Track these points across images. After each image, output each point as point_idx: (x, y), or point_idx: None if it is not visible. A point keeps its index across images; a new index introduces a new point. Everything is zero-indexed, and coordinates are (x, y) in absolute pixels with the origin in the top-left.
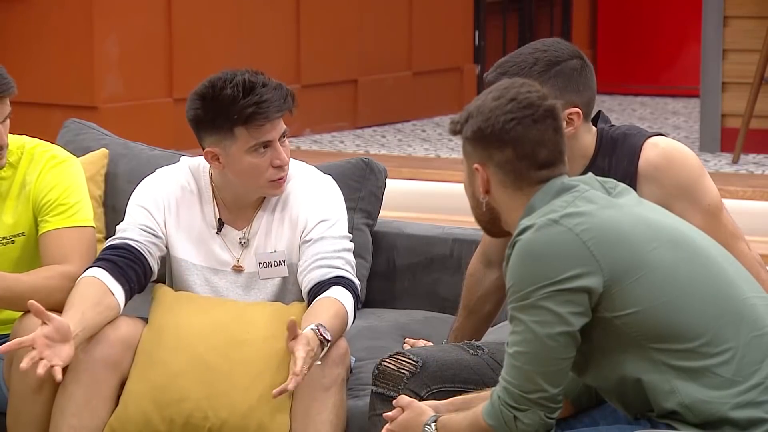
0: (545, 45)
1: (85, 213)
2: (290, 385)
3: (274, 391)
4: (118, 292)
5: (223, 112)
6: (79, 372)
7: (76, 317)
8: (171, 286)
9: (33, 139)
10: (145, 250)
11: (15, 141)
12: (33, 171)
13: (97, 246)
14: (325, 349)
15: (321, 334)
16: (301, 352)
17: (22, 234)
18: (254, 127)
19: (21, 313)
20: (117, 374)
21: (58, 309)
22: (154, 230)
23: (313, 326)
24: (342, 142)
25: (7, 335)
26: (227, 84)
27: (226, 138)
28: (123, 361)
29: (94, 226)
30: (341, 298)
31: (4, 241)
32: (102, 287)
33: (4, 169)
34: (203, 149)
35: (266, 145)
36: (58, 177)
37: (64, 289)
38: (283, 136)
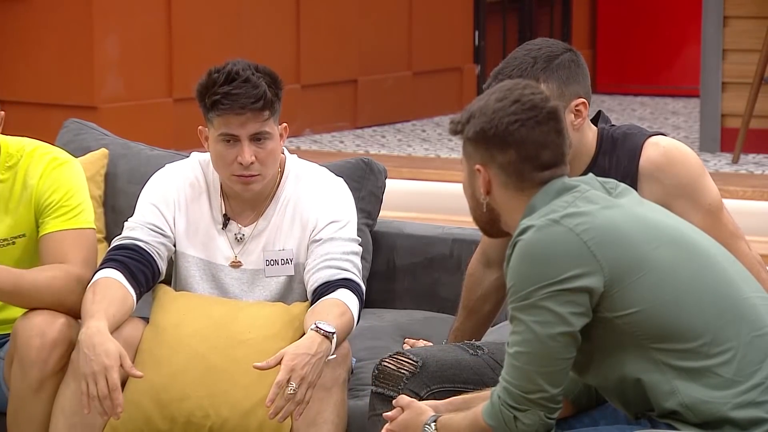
0: (536, 44)
1: (87, 215)
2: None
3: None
4: (133, 293)
5: (204, 95)
6: (79, 371)
7: (107, 319)
8: (176, 282)
9: (33, 140)
10: (154, 252)
11: (15, 143)
12: (34, 173)
13: (99, 246)
14: (334, 341)
15: (321, 330)
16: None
17: (23, 235)
18: (217, 116)
19: (21, 312)
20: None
21: (60, 309)
22: (162, 230)
23: (312, 326)
24: (342, 142)
25: (8, 335)
26: (222, 69)
27: (208, 120)
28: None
29: (95, 228)
30: (346, 300)
31: (5, 242)
32: (122, 287)
33: (4, 171)
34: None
35: (234, 138)
36: (61, 179)
37: (69, 289)
38: (260, 138)
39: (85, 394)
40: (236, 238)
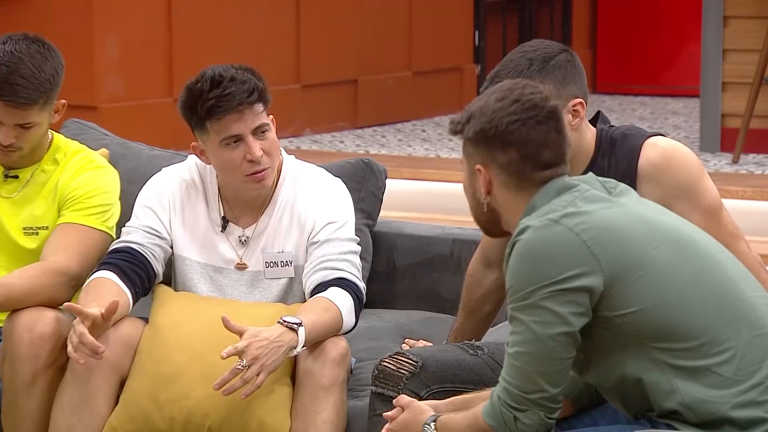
0: (531, 46)
1: (105, 218)
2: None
3: (222, 388)
4: (127, 292)
5: (194, 106)
6: (79, 370)
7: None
8: (175, 284)
9: (84, 146)
10: (150, 254)
11: (66, 141)
12: (69, 170)
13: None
14: (300, 333)
15: (285, 322)
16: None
17: (46, 227)
18: (216, 121)
19: None
20: (117, 373)
21: (49, 305)
22: (159, 232)
23: (278, 320)
24: (342, 142)
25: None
26: (201, 78)
27: (202, 132)
28: (123, 360)
29: (113, 236)
30: (335, 297)
31: (29, 231)
32: (115, 285)
33: (49, 164)
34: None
35: (236, 139)
36: (89, 179)
37: (54, 284)
38: (262, 130)
39: (71, 354)
40: (240, 240)
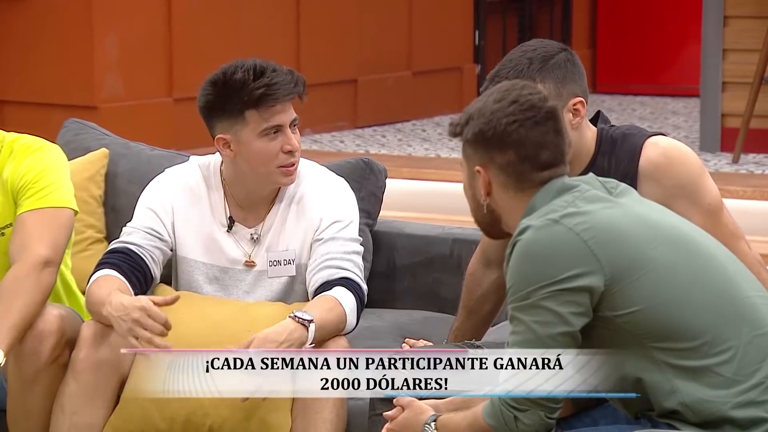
0: (531, 45)
1: (60, 194)
2: None
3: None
4: (131, 291)
5: (234, 96)
6: (80, 370)
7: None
8: (177, 285)
9: (15, 133)
10: (148, 256)
11: None
12: (12, 161)
13: (99, 246)
14: (310, 329)
15: (298, 317)
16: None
17: (10, 225)
18: (264, 109)
19: None
20: (118, 373)
21: (48, 294)
22: (159, 234)
23: (290, 315)
24: (342, 141)
25: None
26: (239, 69)
27: (237, 122)
28: (124, 359)
29: (74, 208)
30: (340, 297)
31: None
32: (123, 282)
33: None
34: (214, 138)
35: (277, 129)
36: (33, 162)
37: (40, 279)
38: (294, 124)
39: (142, 343)
40: (252, 238)
